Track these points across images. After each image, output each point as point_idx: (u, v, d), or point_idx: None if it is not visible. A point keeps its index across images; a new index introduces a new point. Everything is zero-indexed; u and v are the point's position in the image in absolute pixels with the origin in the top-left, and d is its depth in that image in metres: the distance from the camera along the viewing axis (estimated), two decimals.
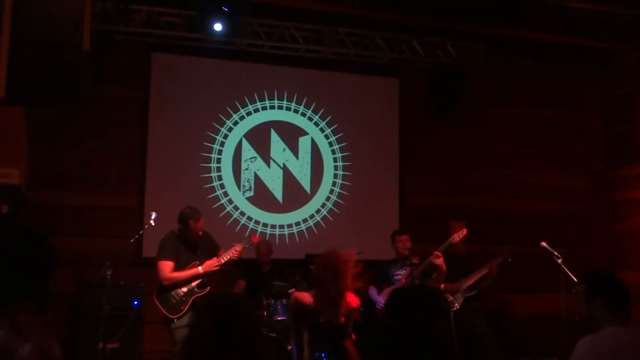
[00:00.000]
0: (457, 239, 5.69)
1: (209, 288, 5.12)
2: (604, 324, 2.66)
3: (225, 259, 5.09)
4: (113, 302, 5.31)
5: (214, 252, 5.25)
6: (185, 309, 4.94)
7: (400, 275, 5.82)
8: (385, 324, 2.24)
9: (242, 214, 7.33)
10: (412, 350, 2.10)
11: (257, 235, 7.00)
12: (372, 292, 5.88)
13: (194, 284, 5.03)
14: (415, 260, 5.84)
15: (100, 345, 5.23)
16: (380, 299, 5.68)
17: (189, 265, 5.05)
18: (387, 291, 5.62)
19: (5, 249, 1.89)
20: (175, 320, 4.91)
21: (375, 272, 5.99)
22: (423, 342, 2.11)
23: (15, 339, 1.75)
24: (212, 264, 5.05)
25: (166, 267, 5.01)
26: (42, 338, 1.80)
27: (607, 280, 2.79)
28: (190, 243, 5.12)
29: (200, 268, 5.02)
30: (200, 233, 5.14)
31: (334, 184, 7.70)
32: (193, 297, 5.00)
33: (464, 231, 5.74)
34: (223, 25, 6.64)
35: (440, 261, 5.51)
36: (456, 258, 6.15)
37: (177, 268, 5.04)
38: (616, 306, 2.69)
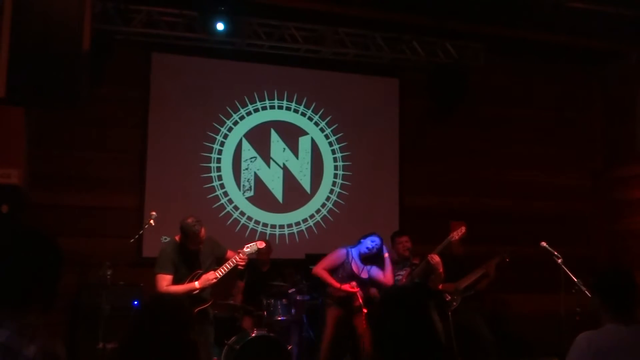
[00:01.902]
0: (457, 237, 5.72)
1: (212, 301, 5.04)
2: (603, 321, 2.65)
3: (224, 272, 4.94)
4: (113, 302, 5.31)
5: (220, 255, 5.12)
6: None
7: (401, 275, 5.83)
8: (380, 320, 2.24)
9: (242, 214, 7.33)
10: (408, 347, 2.10)
11: (259, 238, 7.00)
12: (373, 292, 5.90)
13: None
14: (415, 261, 5.85)
15: (100, 345, 5.23)
16: None
17: (192, 275, 4.92)
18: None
19: (14, 250, 1.89)
20: None
21: None
22: (418, 339, 2.11)
23: (21, 340, 1.76)
24: (209, 278, 4.88)
25: (163, 281, 4.84)
26: (47, 339, 1.80)
27: (607, 278, 2.75)
28: (192, 251, 5.00)
29: (196, 283, 4.86)
30: (201, 245, 4.98)
31: (334, 184, 7.70)
32: (196, 310, 4.86)
33: (463, 229, 5.75)
34: (224, 25, 6.64)
35: (435, 261, 5.56)
36: (454, 258, 6.16)
37: (179, 278, 4.91)
38: (614, 304, 2.65)
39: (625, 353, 2.55)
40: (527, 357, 6.96)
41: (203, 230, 4.93)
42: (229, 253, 5.12)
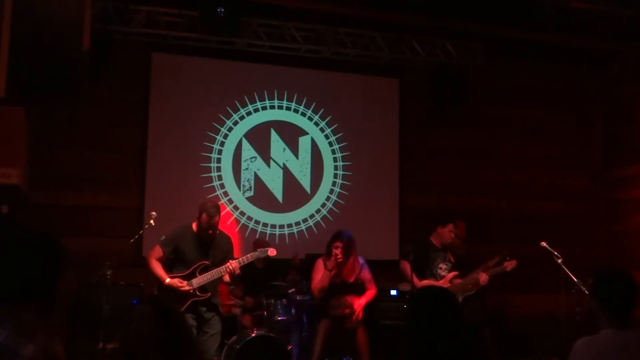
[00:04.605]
0: (509, 268, 5.67)
1: (209, 294, 5.05)
2: (602, 325, 2.62)
3: (206, 279, 4.94)
4: (113, 302, 5.31)
5: (226, 259, 5.11)
6: (181, 309, 4.84)
7: (443, 270, 5.70)
8: (413, 323, 2.26)
9: (242, 213, 7.33)
10: (441, 352, 2.13)
11: (259, 238, 7.01)
12: (407, 268, 5.57)
13: (195, 284, 4.96)
14: (451, 259, 5.81)
15: (100, 345, 5.23)
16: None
17: (196, 265, 4.96)
18: (427, 283, 5.47)
19: (13, 249, 1.89)
20: None
21: (416, 248, 5.72)
22: (452, 344, 2.14)
23: (19, 339, 1.76)
24: (182, 286, 4.89)
25: (154, 252, 5.02)
26: (45, 338, 1.80)
27: (606, 281, 2.71)
28: (204, 241, 5.01)
29: (168, 280, 4.91)
30: (211, 232, 4.98)
31: (334, 183, 7.70)
32: (191, 300, 4.92)
33: (514, 262, 5.69)
34: (225, 27, 6.64)
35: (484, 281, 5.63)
36: (456, 258, 6.15)
37: (183, 264, 4.98)
38: (613, 308, 2.61)
39: (624, 358, 2.52)
40: (527, 357, 6.95)
41: (218, 217, 4.96)
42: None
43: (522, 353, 7.01)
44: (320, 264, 5.46)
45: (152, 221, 5.45)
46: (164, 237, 5.09)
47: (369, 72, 7.86)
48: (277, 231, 7.43)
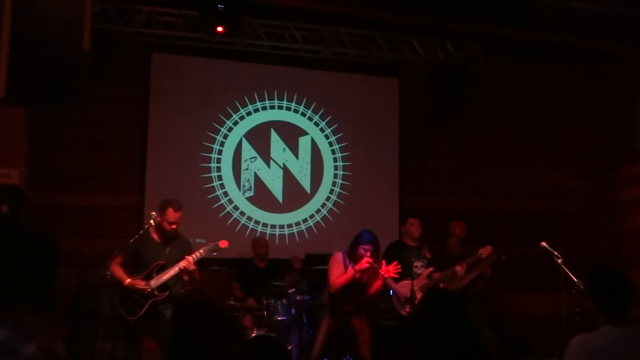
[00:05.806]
0: (484, 254, 5.82)
1: (168, 292, 4.84)
2: (599, 323, 2.63)
3: (164, 279, 4.80)
4: (113, 302, 5.31)
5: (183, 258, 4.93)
6: (142, 312, 4.76)
7: (419, 268, 5.82)
8: (423, 326, 2.25)
9: (242, 214, 7.33)
10: (450, 351, 2.13)
11: (260, 237, 7.00)
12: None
13: (153, 284, 4.80)
14: (427, 255, 5.87)
15: (100, 345, 5.23)
16: (402, 290, 5.63)
17: (152, 266, 4.85)
18: (405, 284, 5.57)
19: (11, 248, 1.90)
20: (132, 322, 4.74)
21: (389, 251, 5.87)
22: (461, 343, 2.14)
23: (20, 338, 1.76)
24: (139, 284, 4.78)
25: (116, 259, 4.94)
26: (46, 338, 1.81)
27: (601, 278, 2.72)
28: (162, 237, 4.93)
29: (128, 280, 4.80)
30: (174, 227, 4.90)
31: (334, 184, 7.70)
32: (151, 300, 4.79)
33: (489, 248, 5.83)
34: (224, 26, 6.64)
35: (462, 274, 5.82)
36: (453, 257, 6.16)
37: (140, 262, 4.88)
38: (609, 305, 2.63)
39: (619, 355, 2.53)
40: (527, 357, 6.95)
41: (180, 214, 4.89)
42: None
43: (522, 353, 7.01)
44: (339, 258, 5.24)
45: (152, 221, 5.41)
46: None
47: (369, 72, 7.86)
48: (277, 231, 7.43)
